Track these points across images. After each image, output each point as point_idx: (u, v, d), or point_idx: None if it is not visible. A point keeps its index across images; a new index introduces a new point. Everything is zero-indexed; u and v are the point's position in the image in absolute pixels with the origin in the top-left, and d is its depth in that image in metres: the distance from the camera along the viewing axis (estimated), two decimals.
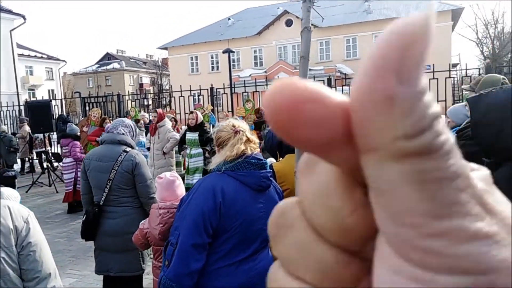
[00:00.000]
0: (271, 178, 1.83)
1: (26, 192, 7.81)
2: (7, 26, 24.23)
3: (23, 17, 24.85)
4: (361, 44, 28.07)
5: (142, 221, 2.45)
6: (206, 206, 1.63)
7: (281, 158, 2.63)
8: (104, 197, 2.74)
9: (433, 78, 7.90)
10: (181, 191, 2.38)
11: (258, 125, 7.86)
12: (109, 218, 2.76)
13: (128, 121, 3.13)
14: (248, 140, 1.78)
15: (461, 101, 14.36)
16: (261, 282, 1.78)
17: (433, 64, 8.69)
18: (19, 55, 28.36)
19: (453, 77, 10.37)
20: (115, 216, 2.76)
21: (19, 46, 29.15)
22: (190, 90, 10.43)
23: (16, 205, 1.67)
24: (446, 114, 3.33)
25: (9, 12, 24.62)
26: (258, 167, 1.75)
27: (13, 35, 24.81)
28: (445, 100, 8.18)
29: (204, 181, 1.74)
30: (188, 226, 1.62)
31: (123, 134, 2.91)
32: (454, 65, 27.11)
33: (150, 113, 14.41)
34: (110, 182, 2.72)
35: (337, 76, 21.41)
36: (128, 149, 2.84)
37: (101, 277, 3.03)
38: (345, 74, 12.13)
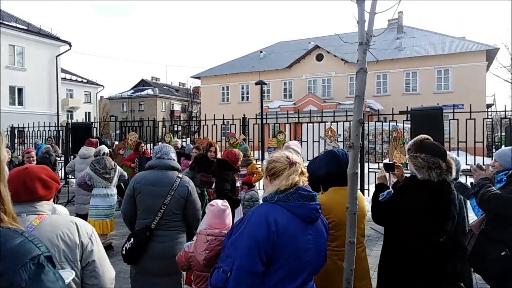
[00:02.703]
0: (320, 210, 1.86)
1: None
2: (54, 51, 25.93)
3: (69, 44, 26.53)
4: (392, 81, 28.02)
5: (187, 244, 2.46)
6: (260, 235, 1.66)
7: (322, 191, 2.63)
8: (156, 221, 2.79)
9: (470, 119, 7.75)
10: (229, 220, 2.40)
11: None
12: (158, 242, 2.79)
13: (172, 148, 3.26)
14: (302, 173, 1.85)
15: (500, 143, 13.86)
16: None
17: (470, 105, 8.57)
18: (62, 79, 30.06)
19: (491, 119, 10.12)
20: (165, 240, 2.80)
21: (62, 70, 30.91)
22: (223, 119, 10.69)
23: (81, 221, 1.76)
24: (492, 157, 3.28)
25: (57, 39, 26.38)
26: (308, 199, 1.79)
27: (59, 60, 26.41)
28: (483, 141, 7.96)
29: (258, 210, 1.78)
30: (243, 253, 1.64)
31: (174, 159, 3.03)
32: (489, 105, 26.45)
33: (183, 140, 14.71)
34: (165, 206, 2.79)
35: (367, 112, 21.34)
36: (180, 175, 2.95)
37: None
38: (378, 110, 12.09)
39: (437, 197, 2.39)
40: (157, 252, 2.78)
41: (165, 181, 2.87)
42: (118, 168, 5.63)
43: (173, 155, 3.06)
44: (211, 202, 2.39)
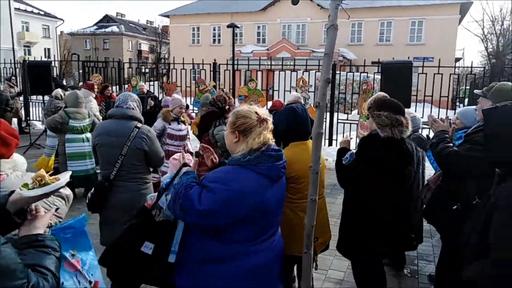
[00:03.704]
0: (285, 167, 1.86)
1: (24, 153, 7.76)
2: None
3: None
4: (367, 30, 27.68)
5: (150, 196, 2.45)
6: (236, 211, 1.66)
7: (282, 146, 2.63)
8: (115, 172, 2.73)
9: (438, 73, 7.88)
10: None
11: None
12: (118, 192, 2.75)
13: (134, 95, 3.09)
14: (271, 130, 1.81)
15: (464, 97, 14.34)
16: (281, 258, 1.95)
17: (440, 59, 8.67)
18: (16, 9, 27.48)
19: (457, 74, 10.35)
20: (125, 190, 2.75)
21: None
22: (193, 64, 10.26)
23: None
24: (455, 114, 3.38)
25: None
26: (277, 159, 1.77)
27: None
28: (448, 96, 8.19)
29: (231, 179, 1.69)
30: (210, 212, 1.64)
31: (133, 108, 2.87)
32: (458, 59, 26.99)
33: (150, 84, 14.11)
34: (122, 157, 2.71)
35: (340, 61, 21.22)
36: (139, 124, 2.82)
37: (102, 248, 3.06)
38: (350, 60, 12.02)
39: (399, 155, 2.44)
40: (118, 202, 2.75)
41: (122, 131, 2.75)
42: (60, 113, 5.30)
43: (133, 103, 2.89)
44: (174, 156, 2.32)
